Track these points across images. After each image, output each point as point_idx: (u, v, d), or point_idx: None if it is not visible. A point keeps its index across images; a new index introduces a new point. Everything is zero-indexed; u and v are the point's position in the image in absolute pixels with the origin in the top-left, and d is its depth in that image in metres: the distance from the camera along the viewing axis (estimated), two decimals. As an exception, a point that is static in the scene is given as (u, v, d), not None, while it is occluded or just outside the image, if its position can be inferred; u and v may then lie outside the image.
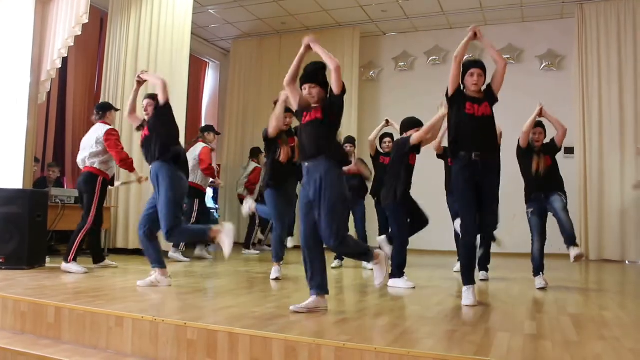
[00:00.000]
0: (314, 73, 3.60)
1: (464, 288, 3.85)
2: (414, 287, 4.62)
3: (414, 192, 5.04)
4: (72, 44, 6.28)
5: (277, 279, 5.10)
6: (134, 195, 7.23)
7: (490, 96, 4.08)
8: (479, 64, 4.10)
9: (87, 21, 6.17)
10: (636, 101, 8.02)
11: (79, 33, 6.20)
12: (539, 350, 2.57)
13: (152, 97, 4.63)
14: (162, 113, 4.55)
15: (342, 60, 9.64)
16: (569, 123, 8.08)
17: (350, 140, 6.58)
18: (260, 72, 10.38)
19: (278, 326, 2.92)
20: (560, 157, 5.67)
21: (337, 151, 3.54)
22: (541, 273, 4.86)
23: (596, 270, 6.68)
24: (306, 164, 3.47)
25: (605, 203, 8.05)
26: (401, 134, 5.17)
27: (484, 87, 4.10)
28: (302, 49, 3.65)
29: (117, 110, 6.09)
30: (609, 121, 8.16)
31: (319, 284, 3.46)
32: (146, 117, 4.64)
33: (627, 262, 7.76)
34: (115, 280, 4.80)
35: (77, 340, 3.28)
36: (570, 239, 4.77)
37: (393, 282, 4.68)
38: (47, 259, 5.71)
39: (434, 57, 9.71)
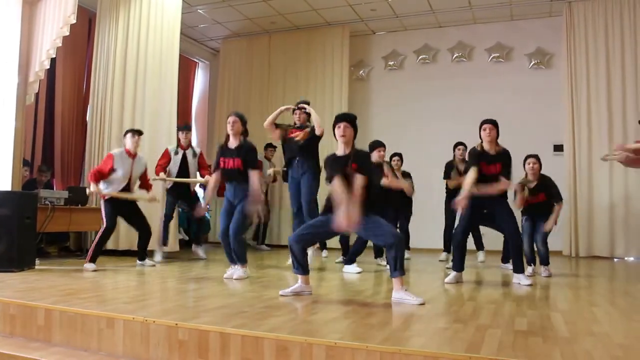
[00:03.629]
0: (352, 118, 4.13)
1: (452, 272, 5.00)
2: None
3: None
4: (60, 45, 6.24)
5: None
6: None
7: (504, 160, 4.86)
8: (490, 122, 4.86)
9: (74, 21, 6.14)
10: (624, 98, 8.07)
11: (67, 34, 6.17)
12: (530, 346, 2.58)
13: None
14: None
15: (332, 60, 9.70)
16: (558, 121, 8.21)
17: (380, 144, 6.26)
18: (250, 71, 10.36)
19: (269, 326, 2.92)
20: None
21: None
22: (532, 264, 5.54)
23: (586, 267, 6.73)
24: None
25: (595, 200, 8.09)
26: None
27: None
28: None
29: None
30: (597, 118, 8.20)
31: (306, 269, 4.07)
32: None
33: (615, 259, 7.80)
34: (105, 282, 4.78)
35: (68, 342, 3.26)
36: (545, 261, 5.58)
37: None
38: (37, 261, 5.68)
39: (424, 56, 9.72)
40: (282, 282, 5.01)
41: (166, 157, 6.82)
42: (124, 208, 5.85)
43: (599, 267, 6.69)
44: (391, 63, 9.96)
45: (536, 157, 5.60)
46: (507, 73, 9.14)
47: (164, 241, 6.78)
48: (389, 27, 9.92)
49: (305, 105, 6.06)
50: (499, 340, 2.67)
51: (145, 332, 3.01)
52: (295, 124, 6.13)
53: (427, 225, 9.02)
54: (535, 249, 5.64)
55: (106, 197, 5.72)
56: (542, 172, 5.58)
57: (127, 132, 6.08)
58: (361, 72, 10.10)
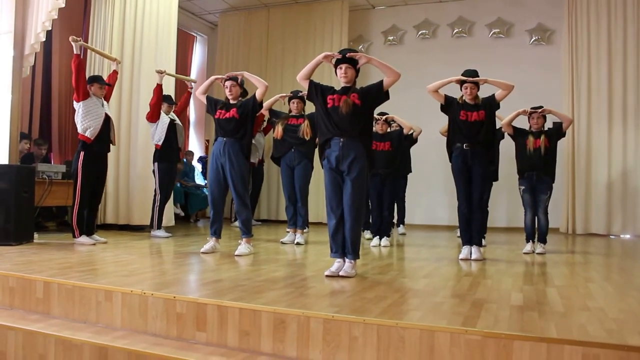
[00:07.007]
0: (352, 57, 3.93)
1: (463, 247, 4.97)
2: None
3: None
4: (56, 17, 6.15)
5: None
6: (123, 170, 7.19)
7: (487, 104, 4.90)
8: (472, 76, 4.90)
9: (70, -7, 6.05)
10: (624, 75, 8.01)
11: (63, 5, 6.07)
12: (525, 321, 2.60)
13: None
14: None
15: (331, 34, 9.59)
16: (558, 97, 8.17)
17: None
18: (249, 46, 10.24)
19: (267, 299, 2.94)
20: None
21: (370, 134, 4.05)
22: (531, 240, 5.52)
23: (582, 244, 6.76)
24: (341, 139, 3.85)
25: (593, 177, 8.09)
26: None
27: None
28: (321, 57, 3.98)
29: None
30: (597, 95, 8.15)
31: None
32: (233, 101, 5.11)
33: (611, 237, 7.83)
34: (104, 255, 4.79)
35: (67, 314, 3.29)
36: (542, 237, 5.48)
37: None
38: (35, 235, 5.69)
39: (424, 31, 9.62)
40: (280, 256, 5.03)
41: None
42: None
43: (595, 245, 6.72)
44: (391, 38, 9.86)
45: (541, 111, 5.51)
46: (508, 49, 9.06)
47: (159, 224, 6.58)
48: (389, 2, 9.79)
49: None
50: (495, 315, 2.69)
51: (144, 305, 3.03)
52: (290, 111, 6.15)
53: (424, 201, 9.06)
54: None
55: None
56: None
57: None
58: (360, 47, 9.97)
